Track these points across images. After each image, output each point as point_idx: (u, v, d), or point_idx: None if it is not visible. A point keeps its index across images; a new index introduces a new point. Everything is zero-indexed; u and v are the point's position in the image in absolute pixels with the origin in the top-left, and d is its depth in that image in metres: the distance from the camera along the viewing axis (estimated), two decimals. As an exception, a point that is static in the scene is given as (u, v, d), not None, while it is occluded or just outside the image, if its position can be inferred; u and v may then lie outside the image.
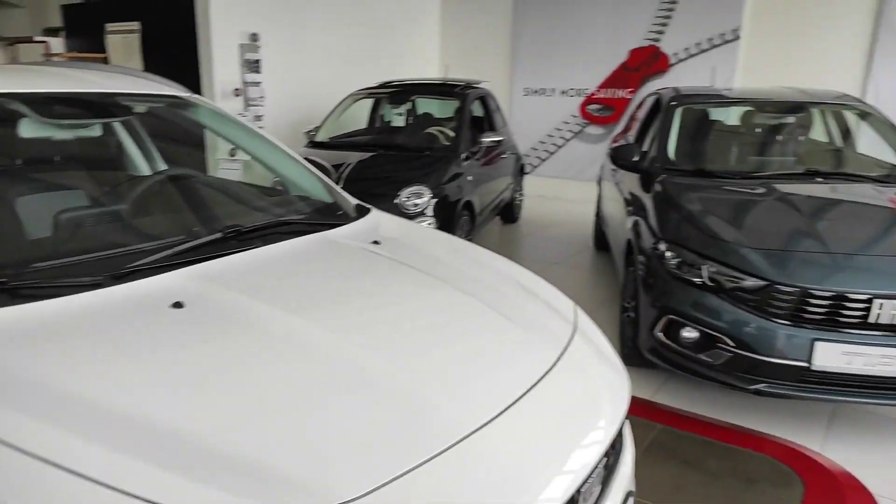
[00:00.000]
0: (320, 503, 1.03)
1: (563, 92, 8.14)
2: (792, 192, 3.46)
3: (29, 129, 2.12)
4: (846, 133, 4.47)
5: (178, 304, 1.46)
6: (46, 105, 2.07)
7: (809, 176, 3.77)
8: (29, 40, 6.82)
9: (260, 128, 2.87)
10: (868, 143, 4.35)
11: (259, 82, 6.28)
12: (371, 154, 5.16)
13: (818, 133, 4.55)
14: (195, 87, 6.01)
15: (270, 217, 2.16)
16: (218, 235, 1.84)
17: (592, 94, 7.95)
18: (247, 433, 1.14)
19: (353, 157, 5.02)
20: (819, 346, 2.71)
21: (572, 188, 8.09)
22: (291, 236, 1.96)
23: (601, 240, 5.64)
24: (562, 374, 1.53)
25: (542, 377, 1.48)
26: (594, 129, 8.04)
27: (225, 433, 1.13)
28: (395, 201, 4.48)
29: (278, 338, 1.41)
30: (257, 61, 6.25)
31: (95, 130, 2.54)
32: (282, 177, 2.62)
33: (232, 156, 4.83)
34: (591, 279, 5.26)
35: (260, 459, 1.08)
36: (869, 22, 6.33)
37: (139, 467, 1.03)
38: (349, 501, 1.04)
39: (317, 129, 5.77)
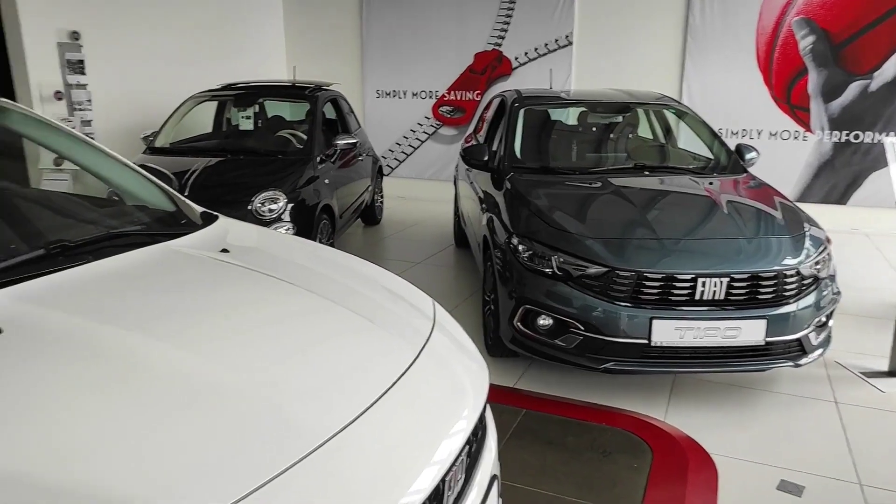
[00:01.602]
0: None
1: (416, 94, 8.26)
2: (625, 185, 3.78)
3: None
4: (667, 130, 4.96)
5: (-7, 331, 1.29)
6: None
7: (639, 170, 4.14)
8: None
9: (89, 134, 2.62)
10: (686, 139, 4.87)
11: (85, 84, 5.73)
12: (219, 159, 4.90)
13: (644, 131, 5.01)
14: (7, 90, 5.37)
15: (103, 229, 1.97)
16: (40, 252, 1.65)
17: (443, 96, 8.15)
18: (88, 463, 1.03)
19: (199, 162, 4.74)
20: (656, 323, 2.98)
21: (431, 188, 8.24)
22: (128, 248, 1.80)
23: (461, 237, 5.80)
24: (423, 369, 1.55)
25: (403, 373, 1.49)
26: (447, 130, 8.24)
27: (62, 467, 1.01)
28: (249, 207, 4.30)
29: (117, 358, 1.29)
30: (81, 62, 5.70)
31: None
32: (115, 186, 2.40)
33: (57, 165, 4.37)
34: (453, 276, 5.38)
35: (106, 489, 0.99)
36: (680, 30, 7.07)
37: None
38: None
39: (155, 133, 5.38)
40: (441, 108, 8.20)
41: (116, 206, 2.35)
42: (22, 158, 3.06)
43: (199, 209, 2.31)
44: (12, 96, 5.32)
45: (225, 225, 2.22)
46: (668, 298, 3.01)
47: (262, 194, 4.38)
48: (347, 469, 1.18)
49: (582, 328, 3.07)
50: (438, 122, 8.25)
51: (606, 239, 3.17)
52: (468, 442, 1.50)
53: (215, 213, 2.30)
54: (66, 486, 0.98)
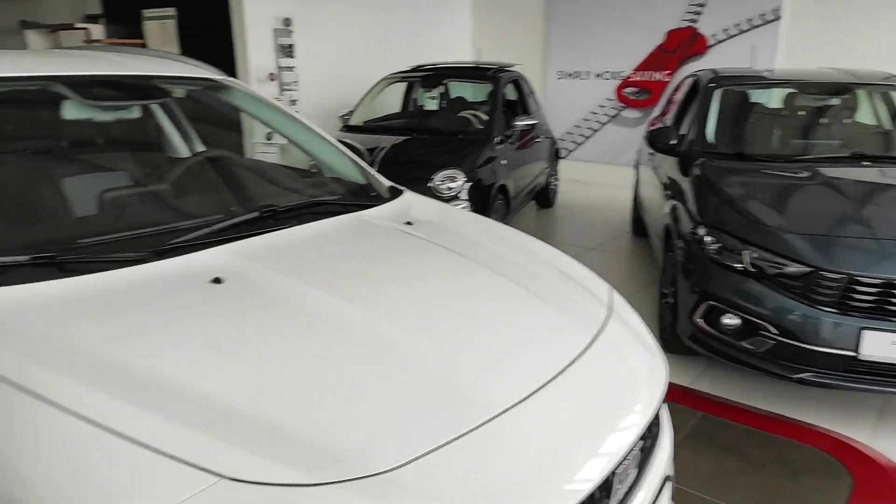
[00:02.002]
0: (357, 473, 1.04)
1: (598, 75, 7.99)
2: (837, 176, 3.34)
3: (72, 111, 2.16)
4: (895, 115, 4.29)
5: (217, 280, 1.48)
6: (88, 87, 2.10)
7: (856, 159, 3.64)
8: (70, 27, 6.95)
9: (295, 111, 2.88)
10: (920, 125, 4.18)
11: (293, 67, 6.31)
12: (405, 138, 5.14)
13: (865, 115, 4.38)
14: (230, 71, 6.06)
15: (305, 197, 2.16)
16: (255, 215, 1.85)
17: (628, 77, 7.79)
18: (285, 404, 1.15)
19: (388, 140, 5.02)
20: (867, 334, 2.62)
21: (608, 173, 7.96)
22: (326, 216, 1.96)
23: (639, 225, 5.54)
24: (597, 356, 1.51)
25: (576, 358, 1.46)
26: (630, 113, 7.88)
27: (265, 403, 1.14)
28: (430, 185, 4.46)
29: (314, 314, 1.42)
30: (291, 46, 6.27)
31: (134, 112, 2.58)
32: (317, 159, 2.62)
33: (269, 139, 4.87)
34: (628, 265, 5.18)
35: (299, 429, 1.10)
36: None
37: (183, 433, 1.05)
38: (385, 472, 1.05)
39: (351, 112, 5.78)
40: (625, 90, 7.85)
41: (316, 177, 2.56)
42: (240, 131, 3.45)
43: (387, 183, 2.44)
44: (234, 77, 6.02)
45: (409, 199, 2.33)
46: (886, 307, 2.62)
47: (442, 172, 4.52)
48: (515, 446, 1.19)
49: (775, 332, 2.78)
50: (621, 104, 7.91)
51: (811, 235, 2.83)
52: (642, 437, 1.43)
53: (401, 188, 2.42)
54: (265, 422, 1.10)
